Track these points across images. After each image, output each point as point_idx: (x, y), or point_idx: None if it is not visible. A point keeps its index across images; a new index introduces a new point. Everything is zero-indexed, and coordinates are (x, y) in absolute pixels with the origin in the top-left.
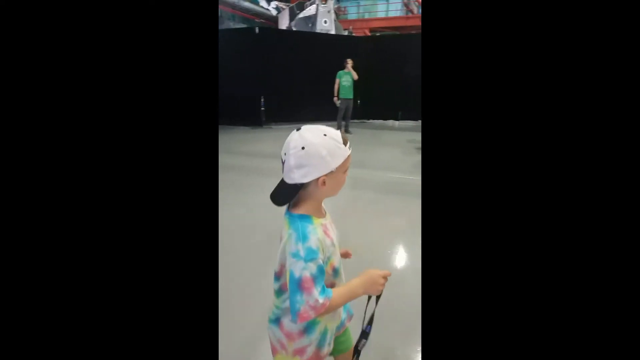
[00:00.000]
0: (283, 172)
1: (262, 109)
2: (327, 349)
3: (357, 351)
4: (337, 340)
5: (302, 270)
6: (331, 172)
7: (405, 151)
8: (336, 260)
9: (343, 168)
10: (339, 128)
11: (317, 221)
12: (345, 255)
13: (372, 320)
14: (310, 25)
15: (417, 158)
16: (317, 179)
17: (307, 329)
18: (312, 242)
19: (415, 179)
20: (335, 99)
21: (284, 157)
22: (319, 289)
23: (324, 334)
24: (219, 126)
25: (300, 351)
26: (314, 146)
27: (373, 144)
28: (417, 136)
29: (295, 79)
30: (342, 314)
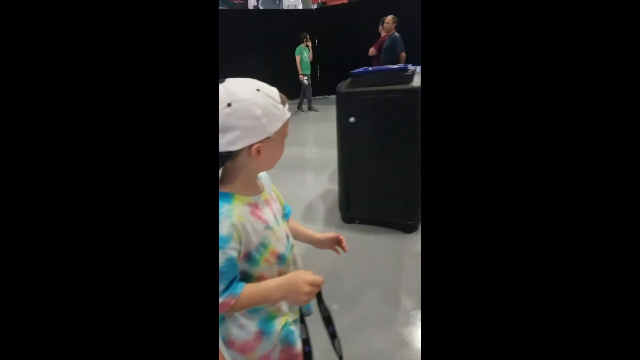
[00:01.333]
0: None
1: None
2: (300, 344)
3: (339, 356)
4: None
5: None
6: (268, 139)
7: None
8: (280, 246)
9: (282, 134)
10: (299, 107)
11: (240, 200)
12: (330, 242)
13: (329, 321)
14: (277, 2)
15: None
16: (250, 146)
17: (264, 328)
18: (222, 228)
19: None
20: (300, 76)
21: None
22: (222, 285)
23: (288, 330)
24: None
25: (265, 358)
26: (244, 103)
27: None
28: None
29: (253, 58)
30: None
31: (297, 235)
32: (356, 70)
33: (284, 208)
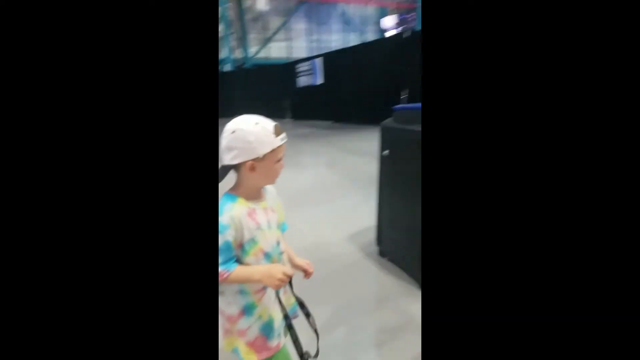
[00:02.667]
0: None
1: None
2: (277, 340)
3: (314, 330)
4: None
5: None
6: (259, 159)
7: None
8: (267, 245)
9: (274, 157)
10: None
11: (241, 202)
12: (300, 267)
13: (303, 305)
14: None
15: None
16: (245, 163)
17: (245, 311)
18: (224, 219)
19: None
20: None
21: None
22: (220, 259)
23: (268, 323)
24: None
25: (242, 332)
26: (242, 131)
27: None
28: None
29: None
30: (289, 308)
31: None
32: (399, 106)
33: (281, 223)
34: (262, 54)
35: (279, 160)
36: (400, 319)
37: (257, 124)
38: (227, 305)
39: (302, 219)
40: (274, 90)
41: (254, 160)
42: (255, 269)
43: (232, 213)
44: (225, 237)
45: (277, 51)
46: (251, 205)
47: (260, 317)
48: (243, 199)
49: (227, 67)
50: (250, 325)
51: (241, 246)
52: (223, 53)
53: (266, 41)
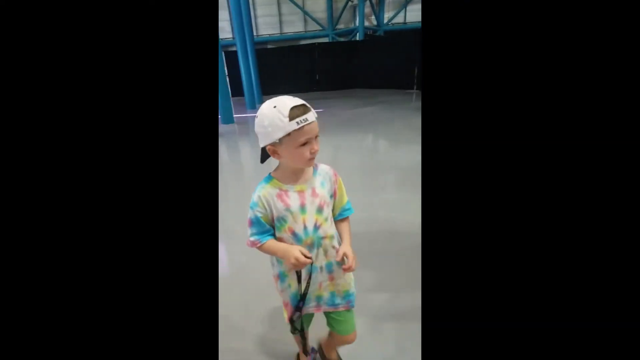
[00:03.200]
0: None
1: None
2: (299, 311)
3: (291, 320)
4: (331, 317)
5: (248, 212)
6: (277, 143)
7: None
8: (297, 227)
9: (293, 142)
10: None
11: (274, 184)
12: (340, 256)
13: (303, 297)
14: None
15: None
16: (268, 146)
17: (280, 277)
18: (254, 197)
19: None
20: None
21: None
22: (253, 230)
23: (294, 293)
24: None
25: (280, 293)
26: (260, 116)
27: None
28: None
29: None
30: (325, 292)
31: (340, 231)
32: None
33: (341, 208)
34: (398, 19)
35: (304, 144)
36: None
37: (274, 107)
38: (272, 267)
39: None
40: (403, 59)
41: (273, 144)
42: (280, 246)
43: (260, 193)
44: (255, 212)
45: (414, 16)
46: (284, 187)
47: (289, 285)
48: (277, 180)
49: (357, 36)
50: (283, 290)
51: (273, 222)
52: (355, 22)
53: (403, 5)
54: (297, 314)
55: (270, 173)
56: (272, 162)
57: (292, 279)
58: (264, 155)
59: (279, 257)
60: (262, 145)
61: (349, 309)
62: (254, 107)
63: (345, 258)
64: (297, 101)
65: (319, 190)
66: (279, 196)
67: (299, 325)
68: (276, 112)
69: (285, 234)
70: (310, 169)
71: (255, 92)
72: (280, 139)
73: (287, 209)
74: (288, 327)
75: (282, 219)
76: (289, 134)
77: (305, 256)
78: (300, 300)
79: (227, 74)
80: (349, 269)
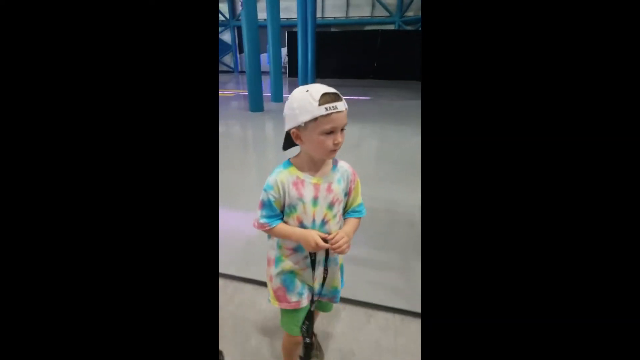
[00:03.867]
0: None
1: None
2: (296, 297)
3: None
4: (325, 306)
5: (261, 194)
6: (301, 127)
7: None
8: (306, 218)
9: (317, 128)
10: None
11: (291, 171)
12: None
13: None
14: None
15: None
16: (292, 130)
17: (275, 261)
18: (271, 180)
19: None
20: None
21: None
22: (263, 213)
23: (290, 278)
24: None
25: (271, 278)
26: (291, 98)
27: None
28: None
29: None
30: (317, 284)
31: (347, 225)
32: None
33: (352, 208)
34: None
35: (328, 133)
36: None
37: (307, 91)
38: (269, 250)
39: None
40: None
41: (296, 128)
42: (296, 230)
43: (277, 177)
44: (269, 195)
45: None
46: (302, 176)
47: (282, 270)
48: (296, 167)
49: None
50: (276, 274)
51: (284, 207)
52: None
53: None
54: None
55: (289, 159)
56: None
57: (288, 264)
58: (288, 142)
59: (293, 240)
60: (287, 128)
61: (330, 302)
62: None
63: (335, 237)
64: (330, 89)
65: (334, 186)
66: (295, 184)
67: (308, 328)
68: (307, 95)
69: (293, 222)
70: (330, 164)
71: (309, 74)
72: (305, 123)
73: (300, 198)
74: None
75: (293, 207)
76: (315, 119)
77: (325, 240)
78: (316, 293)
79: (286, 54)
80: (336, 247)
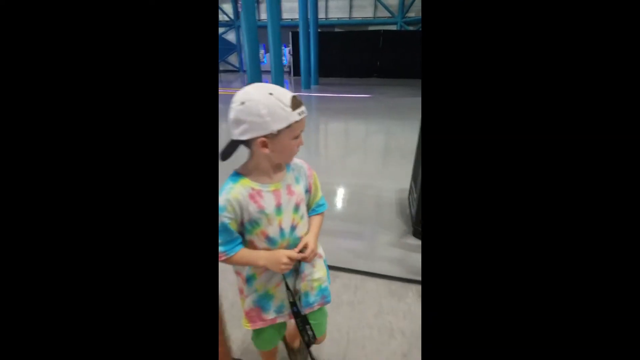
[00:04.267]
0: None
1: None
2: (273, 315)
3: (306, 334)
4: (320, 326)
5: None
6: (273, 135)
7: None
8: (272, 230)
9: (290, 134)
10: None
11: (244, 183)
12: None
13: (294, 304)
14: None
15: None
16: (256, 139)
17: (247, 280)
18: (222, 200)
19: None
20: None
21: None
22: (220, 239)
23: (265, 297)
24: None
25: (245, 297)
26: (253, 103)
27: None
28: None
29: None
30: (304, 294)
31: (311, 224)
32: None
33: (315, 204)
34: None
35: (296, 137)
36: None
37: (270, 94)
38: (241, 269)
39: None
40: None
41: (266, 136)
42: (260, 254)
43: (229, 195)
44: (222, 219)
45: None
46: (257, 186)
47: (256, 290)
48: (248, 179)
49: None
50: (249, 295)
51: (243, 225)
52: None
53: None
54: (301, 319)
55: (235, 170)
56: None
57: (261, 283)
58: (229, 150)
59: (259, 265)
60: (249, 136)
61: (323, 306)
62: (308, 87)
63: (304, 248)
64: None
65: (294, 187)
66: (252, 197)
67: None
68: (275, 100)
69: (256, 237)
70: (283, 165)
71: (312, 73)
72: (279, 131)
73: (262, 211)
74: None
75: (254, 222)
76: (289, 126)
77: (291, 257)
78: (293, 305)
79: (291, 53)
80: (303, 258)
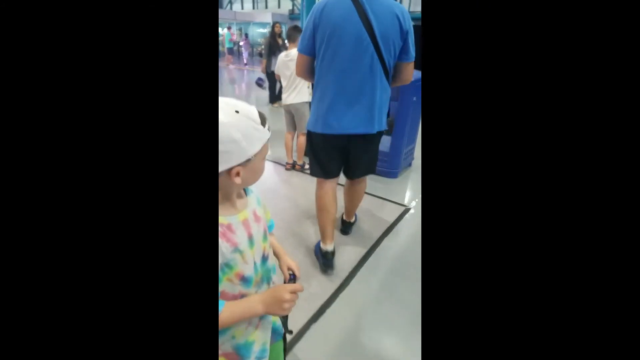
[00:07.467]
0: None
1: None
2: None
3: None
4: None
5: None
6: (248, 161)
7: None
8: (247, 269)
9: (262, 154)
10: None
11: None
12: (288, 269)
13: (285, 320)
14: None
15: None
16: (230, 170)
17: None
18: None
19: None
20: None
21: None
22: None
23: (244, 345)
24: None
25: (221, 344)
26: (223, 127)
27: None
28: None
29: None
30: (268, 333)
31: (273, 248)
32: None
33: (268, 225)
34: None
35: (264, 157)
36: None
37: (237, 112)
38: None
39: None
40: None
41: (240, 164)
42: (252, 302)
43: None
44: None
45: None
46: (226, 220)
47: (234, 337)
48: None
49: None
50: (223, 343)
51: None
52: None
53: None
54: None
55: None
56: None
57: (239, 329)
58: None
59: (259, 314)
60: (225, 168)
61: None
62: None
63: (290, 272)
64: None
65: (258, 211)
66: (223, 235)
67: None
68: (244, 118)
69: (229, 284)
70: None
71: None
72: (256, 155)
73: (236, 248)
74: None
75: (228, 265)
76: (263, 146)
77: (293, 290)
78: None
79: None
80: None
